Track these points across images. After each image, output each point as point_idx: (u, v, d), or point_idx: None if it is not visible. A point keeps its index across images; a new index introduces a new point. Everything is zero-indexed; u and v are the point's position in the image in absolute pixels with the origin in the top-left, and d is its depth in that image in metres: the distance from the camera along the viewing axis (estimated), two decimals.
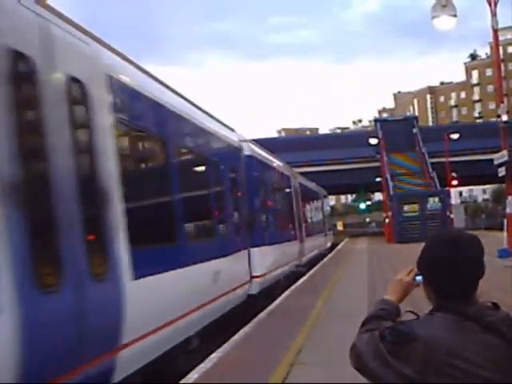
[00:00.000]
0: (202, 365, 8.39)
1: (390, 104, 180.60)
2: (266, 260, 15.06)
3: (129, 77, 7.63)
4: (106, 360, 6.02)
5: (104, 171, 6.31)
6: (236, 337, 10.39)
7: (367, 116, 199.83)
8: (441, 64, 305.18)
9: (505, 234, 23.82)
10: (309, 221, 29.19)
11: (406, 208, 44.07)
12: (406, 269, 2.67)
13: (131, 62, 8.20)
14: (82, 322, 5.41)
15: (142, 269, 6.83)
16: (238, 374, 8.03)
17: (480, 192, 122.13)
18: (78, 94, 6.02)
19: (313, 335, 10.31)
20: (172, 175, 8.95)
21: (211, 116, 12.43)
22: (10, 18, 5.00)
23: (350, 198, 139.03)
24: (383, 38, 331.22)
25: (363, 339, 2.38)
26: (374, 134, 54.63)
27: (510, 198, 22.69)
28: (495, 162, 24.30)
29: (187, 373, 7.97)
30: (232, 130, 14.44)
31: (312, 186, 34.02)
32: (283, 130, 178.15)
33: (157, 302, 7.42)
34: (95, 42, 6.73)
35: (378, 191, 76.29)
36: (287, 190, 22.05)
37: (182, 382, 7.61)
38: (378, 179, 54.02)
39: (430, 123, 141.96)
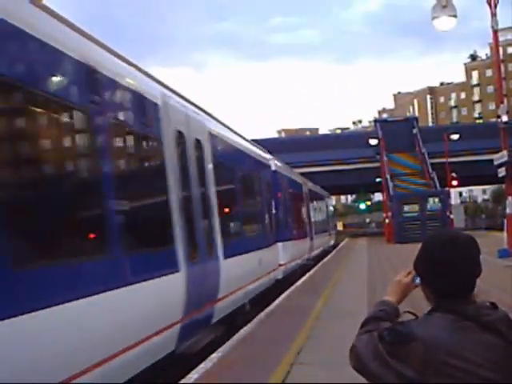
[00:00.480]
0: (202, 365, 8.40)
1: (390, 104, 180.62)
2: (287, 252, 19.08)
3: (216, 130, 11.82)
4: (212, 307, 9.95)
5: (212, 196, 10.56)
6: (236, 337, 10.41)
7: (367, 116, 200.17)
8: (441, 64, 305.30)
9: (505, 234, 23.85)
10: (316, 221, 32.22)
11: (405, 208, 43.97)
12: (405, 270, 2.67)
13: (215, 118, 12.26)
14: (204, 281, 9.35)
15: (227, 252, 10.93)
16: (238, 373, 8.04)
17: (480, 192, 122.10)
18: (200, 148, 10.13)
19: (313, 335, 10.32)
20: (240, 193, 13.72)
21: (252, 143, 16.83)
22: (176, 113, 9.06)
23: (349, 198, 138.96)
24: (383, 37, 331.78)
25: (362, 340, 2.39)
26: (374, 135, 54.51)
27: (510, 198, 22.71)
28: (495, 163, 24.32)
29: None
30: (263, 151, 18.57)
31: (318, 189, 36.90)
32: (283, 130, 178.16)
33: (234, 274, 11.43)
34: (198, 110, 10.74)
35: (378, 191, 76.26)
36: (300, 196, 26.55)
37: (182, 381, 7.62)
38: (378, 179, 53.99)
39: (430, 124, 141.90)
